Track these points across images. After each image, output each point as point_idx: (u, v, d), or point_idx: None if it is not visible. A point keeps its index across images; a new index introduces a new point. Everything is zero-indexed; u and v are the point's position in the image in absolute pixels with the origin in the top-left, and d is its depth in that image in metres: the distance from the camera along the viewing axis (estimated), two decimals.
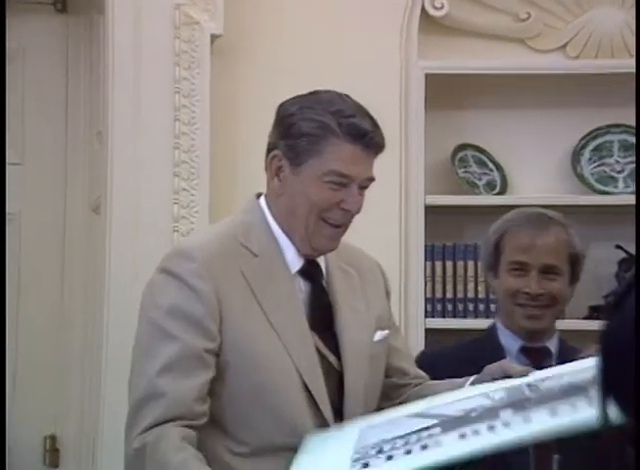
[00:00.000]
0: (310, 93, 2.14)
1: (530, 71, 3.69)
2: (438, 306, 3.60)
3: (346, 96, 2.13)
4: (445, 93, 3.67)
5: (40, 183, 3.62)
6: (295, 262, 2.15)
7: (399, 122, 3.57)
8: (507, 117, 3.77)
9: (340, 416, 2.10)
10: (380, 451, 1.81)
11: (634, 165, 3.73)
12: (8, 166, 3.44)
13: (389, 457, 1.77)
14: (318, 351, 2.12)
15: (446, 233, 3.70)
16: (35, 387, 3.45)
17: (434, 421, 1.87)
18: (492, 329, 2.66)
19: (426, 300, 3.57)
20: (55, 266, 3.58)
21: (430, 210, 3.59)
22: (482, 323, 3.55)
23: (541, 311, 2.57)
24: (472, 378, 2.15)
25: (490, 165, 3.78)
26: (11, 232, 3.53)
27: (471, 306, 3.60)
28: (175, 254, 2.13)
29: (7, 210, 3.45)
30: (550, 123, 3.78)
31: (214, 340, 2.03)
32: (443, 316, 3.61)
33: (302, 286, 2.16)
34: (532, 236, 2.57)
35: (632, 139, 3.74)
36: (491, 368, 2.13)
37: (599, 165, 3.76)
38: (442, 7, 3.68)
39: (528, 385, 1.97)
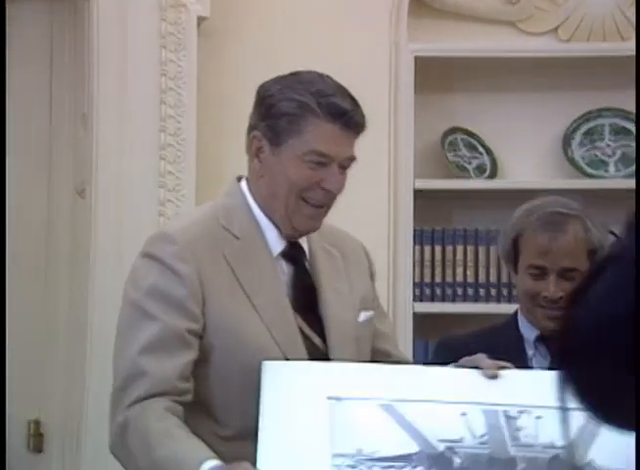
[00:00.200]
0: (291, 74, 2.14)
1: (521, 55, 3.67)
2: (427, 291, 3.59)
3: (327, 77, 2.13)
4: (435, 76, 3.65)
5: (25, 167, 3.58)
6: (276, 245, 2.16)
7: (389, 106, 3.55)
8: (497, 101, 3.75)
9: None
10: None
11: (625, 149, 3.71)
12: None
13: None
14: (302, 332, 2.12)
15: (435, 217, 3.69)
16: (19, 371, 3.43)
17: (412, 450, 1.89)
18: (514, 318, 2.63)
19: (414, 284, 3.56)
20: (40, 250, 3.55)
21: (419, 193, 3.57)
22: (470, 307, 3.57)
23: (562, 312, 2.54)
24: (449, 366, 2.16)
25: (480, 149, 3.75)
26: None
27: (459, 291, 3.59)
28: (157, 237, 2.14)
29: None
30: (541, 107, 3.75)
31: (197, 321, 2.04)
32: (432, 301, 3.59)
33: (285, 268, 2.17)
34: (549, 239, 2.51)
35: (623, 123, 3.72)
36: (467, 361, 2.12)
37: (590, 149, 3.74)
38: None
39: (506, 415, 1.98)
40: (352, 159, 2.12)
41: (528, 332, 2.58)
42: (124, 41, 3.37)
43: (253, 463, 1.84)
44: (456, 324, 3.60)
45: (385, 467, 1.85)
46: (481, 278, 3.59)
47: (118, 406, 2.00)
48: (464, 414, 1.98)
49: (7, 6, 3.32)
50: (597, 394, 1.09)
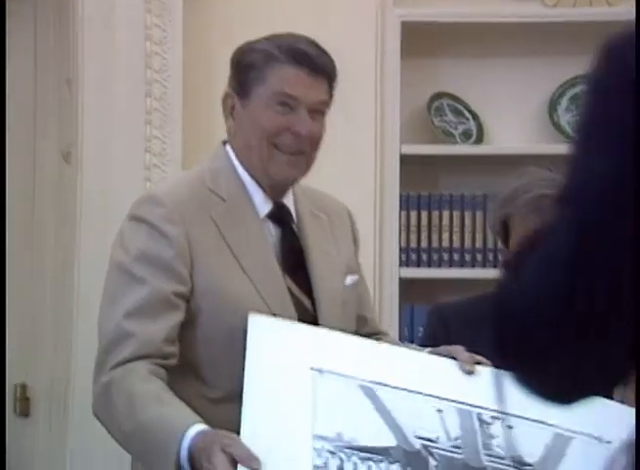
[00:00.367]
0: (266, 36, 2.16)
1: (508, 20, 3.65)
2: (413, 256, 3.59)
3: (302, 36, 2.14)
4: (421, 41, 3.64)
5: (9, 131, 3.56)
6: (263, 206, 2.16)
7: (375, 71, 3.54)
8: (483, 66, 3.74)
9: None
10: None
11: None
12: None
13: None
14: (292, 293, 2.13)
15: (422, 182, 3.68)
16: (5, 335, 3.42)
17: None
18: None
19: (400, 249, 3.56)
20: (26, 215, 3.53)
21: (405, 159, 3.56)
22: (456, 273, 3.58)
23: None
24: (428, 349, 2.17)
25: (466, 114, 3.75)
26: None
27: (445, 256, 3.59)
28: (144, 200, 2.14)
29: None
30: (527, 72, 3.75)
31: (184, 283, 2.04)
32: (418, 266, 3.60)
33: (272, 230, 2.17)
34: (536, 224, 2.51)
35: None
36: (445, 350, 2.13)
37: (576, 115, 3.73)
38: None
39: (480, 419, 1.99)
40: (323, 103, 2.13)
41: None
42: (109, 5, 3.35)
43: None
44: (442, 289, 3.62)
45: (363, 458, 1.85)
46: (467, 243, 3.60)
47: (103, 368, 2.00)
48: (440, 411, 1.98)
49: None
50: (527, 360, 1.09)
